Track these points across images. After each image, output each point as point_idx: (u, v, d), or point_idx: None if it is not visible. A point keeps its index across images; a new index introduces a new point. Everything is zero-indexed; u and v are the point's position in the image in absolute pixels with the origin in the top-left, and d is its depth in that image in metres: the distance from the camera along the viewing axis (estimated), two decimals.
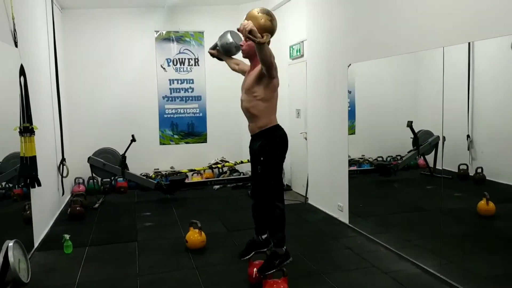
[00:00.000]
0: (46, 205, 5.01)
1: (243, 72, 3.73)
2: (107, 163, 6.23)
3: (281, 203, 3.47)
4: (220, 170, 7.44)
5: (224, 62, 4.07)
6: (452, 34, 3.21)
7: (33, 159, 4.22)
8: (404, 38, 3.81)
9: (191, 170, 7.28)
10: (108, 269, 3.85)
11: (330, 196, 5.31)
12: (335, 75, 5.09)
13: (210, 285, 3.44)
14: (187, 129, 7.54)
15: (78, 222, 5.32)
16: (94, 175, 6.40)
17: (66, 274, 3.74)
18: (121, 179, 6.76)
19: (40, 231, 4.59)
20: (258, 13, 2.94)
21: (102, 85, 7.10)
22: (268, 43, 3.39)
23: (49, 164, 5.42)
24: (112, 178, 6.79)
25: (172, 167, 7.41)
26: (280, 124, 3.45)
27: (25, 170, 4.15)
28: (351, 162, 5.01)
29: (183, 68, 7.42)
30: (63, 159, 5.79)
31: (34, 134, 4.20)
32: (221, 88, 7.42)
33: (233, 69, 3.94)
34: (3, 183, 4.15)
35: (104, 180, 6.81)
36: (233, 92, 7.31)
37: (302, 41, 6.03)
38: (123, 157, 6.29)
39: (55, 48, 5.69)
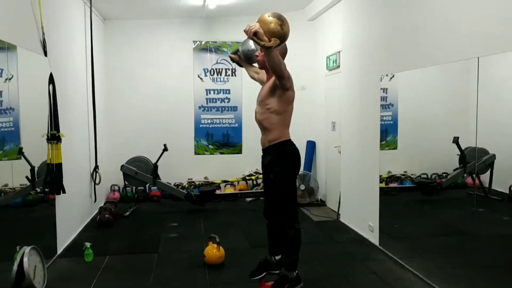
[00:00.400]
0: (74, 212, 5.08)
1: (261, 82, 3.59)
2: (139, 171, 6.27)
3: (297, 223, 3.27)
4: (254, 182, 7.30)
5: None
6: None
7: (59, 166, 4.28)
8: (453, 44, 3.38)
9: (224, 181, 7.20)
10: (122, 280, 3.81)
11: (361, 214, 5.02)
12: (368, 86, 4.83)
13: None
14: (222, 139, 7.47)
15: (106, 229, 5.36)
16: (126, 183, 6.47)
17: (80, 283, 3.73)
18: (155, 188, 6.80)
19: (65, 237, 4.64)
20: (268, 17, 2.80)
21: (140, 94, 7.20)
22: (284, 54, 3.24)
23: (82, 171, 5.54)
24: (146, 186, 6.86)
25: (206, 178, 7.37)
26: (292, 140, 3.28)
27: (51, 176, 4.23)
28: (392, 178, 4.71)
29: (220, 78, 7.39)
30: (96, 166, 5.88)
31: (60, 142, 4.27)
32: None
33: (252, 77, 3.81)
34: (40, 188, 4.29)
35: (139, 188, 6.89)
36: None
37: (339, 52, 5.80)
38: (155, 166, 6.32)
39: (92, 57, 5.83)
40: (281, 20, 2.79)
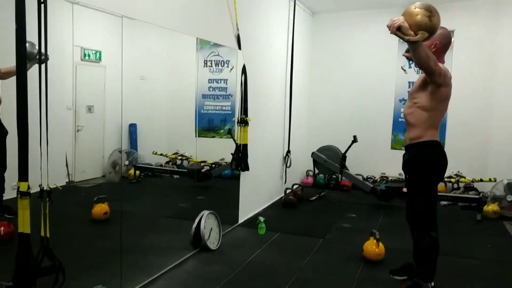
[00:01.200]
0: (261, 189, 5.67)
1: None
2: (328, 160, 6.48)
3: (433, 231, 2.93)
4: (454, 185, 6.61)
5: None
6: None
7: (245, 146, 4.87)
8: None
9: None
10: (281, 255, 4.11)
11: None
12: None
13: None
14: None
15: (288, 210, 5.79)
16: (316, 169, 6.77)
17: (246, 250, 4.20)
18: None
19: (248, 210, 5.24)
20: (415, 8, 2.55)
21: (340, 85, 7.37)
22: (447, 45, 2.91)
23: (275, 154, 6.10)
24: (337, 175, 7.03)
25: (400, 174, 7.05)
26: (438, 141, 2.93)
27: (237, 155, 4.85)
28: None
29: None
30: (288, 151, 6.37)
31: (247, 125, 4.83)
32: (467, 95, 6.56)
33: None
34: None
35: (332, 176, 7.12)
36: (475, 99, 6.44)
37: None
38: (343, 156, 6.41)
39: (292, 50, 6.29)
40: (430, 11, 2.52)
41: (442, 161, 2.94)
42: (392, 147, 7.19)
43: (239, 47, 4.66)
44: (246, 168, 4.92)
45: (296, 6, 6.38)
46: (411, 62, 6.86)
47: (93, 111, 4.32)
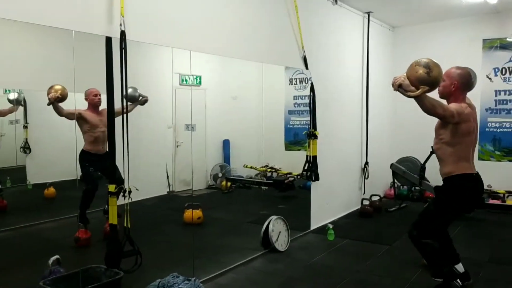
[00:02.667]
0: (336, 198, 5.98)
1: None
2: (407, 171, 6.54)
3: (429, 238, 3.21)
4: None
5: None
6: None
7: (315, 158, 5.27)
8: None
9: (508, 192, 6.47)
10: (343, 259, 4.42)
11: None
12: None
13: None
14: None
15: (364, 219, 6.01)
16: (395, 181, 6.85)
17: (312, 253, 4.58)
18: None
19: (320, 218, 5.57)
20: (415, 66, 2.79)
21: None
22: (465, 84, 3.16)
23: (352, 166, 6.38)
24: (420, 187, 7.01)
25: (489, 186, 6.78)
26: (474, 174, 3.14)
27: (308, 166, 5.28)
28: None
29: None
30: (366, 163, 6.59)
31: (316, 138, 5.23)
32: None
33: None
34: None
35: (415, 188, 7.11)
36: None
37: None
38: (423, 167, 6.42)
39: (367, 65, 6.55)
40: (428, 68, 2.73)
41: (472, 194, 3.18)
42: (480, 158, 6.96)
43: (306, 67, 5.11)
44: (316, 178, 5.30)
45: (373, 22, 6.64)
46: (496, 70, 6.71)
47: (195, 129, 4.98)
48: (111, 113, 3.08)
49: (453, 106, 3.01)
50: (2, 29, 3.01)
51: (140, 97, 3.88)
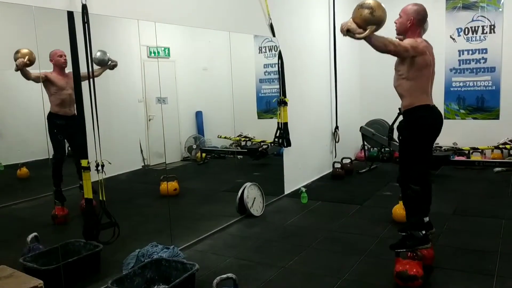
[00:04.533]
0: (309, 163, 6.14)
1: None
2: (376, 133, 6.74)
3: (416, 185, 3.23)
4: (510, 152, 6.54)
5: None
6: None
7: (286, 124, 5.37)
8: None
9: (473, 149, 6.77)
10: (316, 220, 4.60)
11: None
12: None
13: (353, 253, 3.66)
14: (475, 103, 6.95)
15: (336, 182, 6.22)
16: (365, 143, 7.05)
17: (286, 216, 4.74)
18: None
19: (293, 183, 5.73)
20: (359, 8, 2.83)
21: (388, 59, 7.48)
22: (421, 20, 3.19)
23: (323, 131, 6.52)
24: (389, 148, 7.24)
25: (454, 143, 7.08)
26: (431, 105, 3.18)
27: (279, 132, 5.38)
28: None
29: (475, 37, 6.82)
30: (336, 127, 6.75)
31: (286, 105, 5.32)
32: None
33: None
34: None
35: (385, 149, 7.34)
36: None
37: None
38: (391, 128, 6.62)
39: (334, 33, 6.61)
40: (371, 8, 2.77)
41: (433, 122, 3.23)
42: (445, 117, 7.20)
43: (273, 35, 5.14)
44: (288, 144, 5.42)
45: None
46: (460, 30, 6.87)
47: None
48: (78, 87, 3.07)
49: (407, 41, 3.08)
50: None
51: (110, 62, 3.83)
